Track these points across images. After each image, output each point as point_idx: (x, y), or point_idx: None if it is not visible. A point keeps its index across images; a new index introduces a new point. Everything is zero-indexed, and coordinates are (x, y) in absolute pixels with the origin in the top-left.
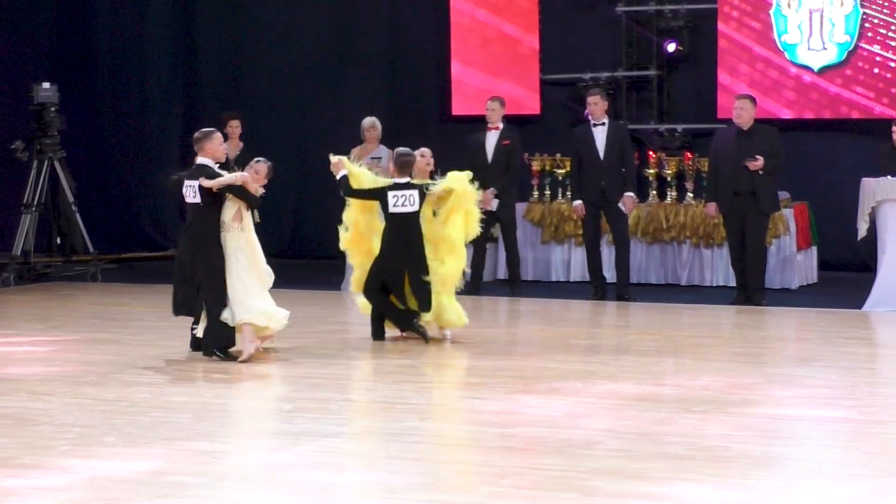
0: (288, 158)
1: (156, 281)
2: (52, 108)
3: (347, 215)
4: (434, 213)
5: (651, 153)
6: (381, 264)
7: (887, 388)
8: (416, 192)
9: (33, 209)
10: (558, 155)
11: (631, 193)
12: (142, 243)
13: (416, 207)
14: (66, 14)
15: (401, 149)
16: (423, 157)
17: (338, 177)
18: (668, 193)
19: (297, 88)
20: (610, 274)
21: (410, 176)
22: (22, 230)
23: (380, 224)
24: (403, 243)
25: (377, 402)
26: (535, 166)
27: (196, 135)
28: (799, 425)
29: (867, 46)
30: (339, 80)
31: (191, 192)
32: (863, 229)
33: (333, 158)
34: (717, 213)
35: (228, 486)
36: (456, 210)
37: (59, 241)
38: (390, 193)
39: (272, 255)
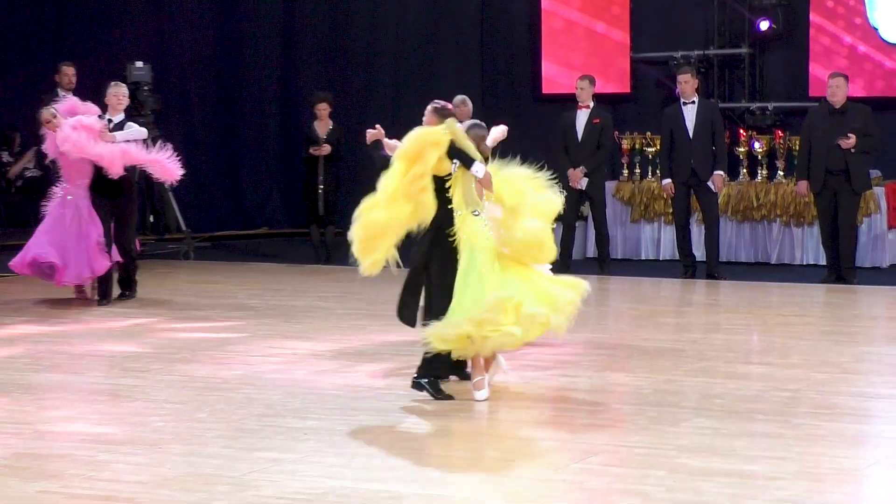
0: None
1: (248, 259)
2: (146, 88)
3: None
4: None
5: (742, 131)
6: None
7: None
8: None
9: None
10: (648, 133)
11: (721, 172)
12: (237, 222)
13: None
14: None
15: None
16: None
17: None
18: (759, 172)
19: (392, 68)
20: (700, 252)
21: None
22: None
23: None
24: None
25: (468, 380)
26: (625, 145)
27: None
28: (890, 404)
29: None
30: (433, 59)
31: None
32: None
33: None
34: (807, 192)
35: (316, 461)
36: None
37: (152, 219)
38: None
39: None
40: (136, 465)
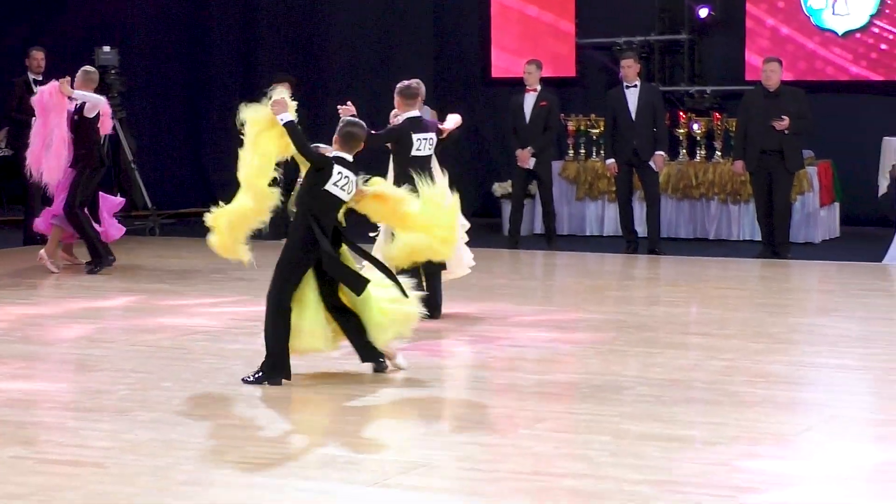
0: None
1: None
2: (113, 71)
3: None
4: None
5: (682, 114)
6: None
7: None
8: (354, 179)
9: None
10: (593, 115)
11: (662, 152)
12: (200, 199)
13: (348, 196)
14: None
15: (350, 118)
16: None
17: (282, 121)
18: (698, 152)
19: (348, 52)
20: (641, 229)
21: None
22: None
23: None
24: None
25: (422, 350)
26: (571, 126)
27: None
28: (821, 372)
29: (890, 12)
30: (388, 44)
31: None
32: (883, 186)
33: (279, 95)
34: (744, 171)
35: (276, 427)
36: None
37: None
38: (336, 167)
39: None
40: (104, 431)
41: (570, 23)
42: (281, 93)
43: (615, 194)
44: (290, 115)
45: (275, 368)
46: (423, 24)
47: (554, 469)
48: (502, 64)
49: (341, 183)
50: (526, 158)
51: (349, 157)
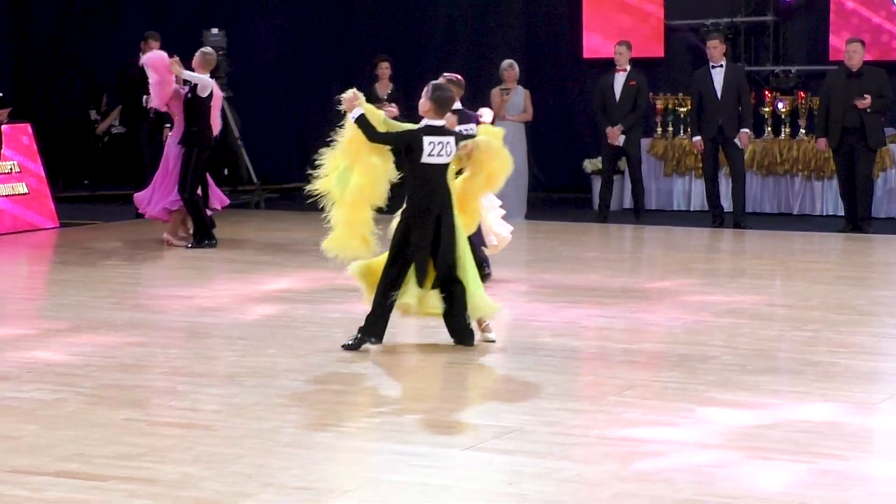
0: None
1: (313, 209)
2: (221, 52)
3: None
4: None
5: (767, 93)
6: (406, 233)
7: None
8: (452, 140)
9: None
10: (680, 94)
11: (747, 130)
12: (303, 174)
13: (449, 159)
14: None
15: (438, 81)
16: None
17: (352, 118)
18: (783, 130)
19: (444, 34)
20: (727, 204)
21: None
22: None
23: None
24: (436, 203)
25: (514, 319)
26: (659, 105)
27: None
28: None
29: None
30: (482, 25)
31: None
32: None
33: (348, 93)
34: (827, 148)
35: (374, 393)
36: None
37: (226, 172)
38: (426, 139)
39: None
40: (213, 395)
41: (658, 5)
42: (349, 92)
43: (702, 170)
44: (360, 109)
45: (372, 326)
46: (517, 6)
47: (641, 435)
48: (593, 45)
49: (436, 151)
50: (616, 136)
51: (439, 123)
